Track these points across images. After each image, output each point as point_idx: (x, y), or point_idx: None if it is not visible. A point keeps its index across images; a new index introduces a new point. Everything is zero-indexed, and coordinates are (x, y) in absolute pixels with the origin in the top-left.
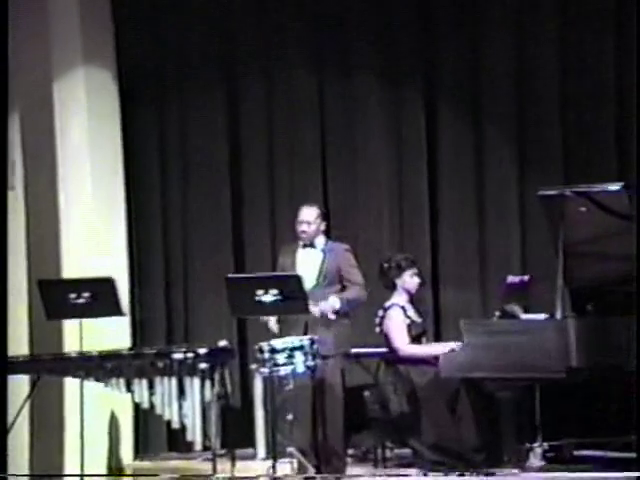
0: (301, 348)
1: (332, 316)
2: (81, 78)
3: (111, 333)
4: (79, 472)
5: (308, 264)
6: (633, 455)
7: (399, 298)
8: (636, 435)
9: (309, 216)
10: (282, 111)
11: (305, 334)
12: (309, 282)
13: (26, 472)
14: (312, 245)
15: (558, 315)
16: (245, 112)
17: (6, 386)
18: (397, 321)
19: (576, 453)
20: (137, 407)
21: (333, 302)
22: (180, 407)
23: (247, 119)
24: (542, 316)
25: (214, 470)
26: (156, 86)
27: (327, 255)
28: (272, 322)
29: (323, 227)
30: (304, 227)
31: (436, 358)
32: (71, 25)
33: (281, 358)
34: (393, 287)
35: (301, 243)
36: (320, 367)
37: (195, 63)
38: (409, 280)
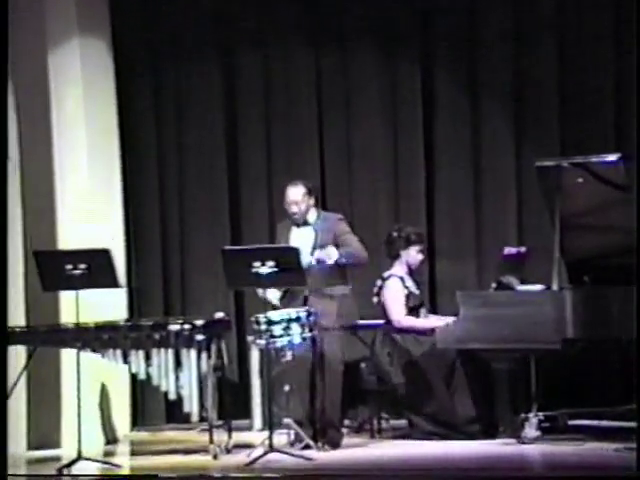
0: (297, 320)
1: (331, 261)
2: (76, 48)
3: (108, 305)
4: (76, 443)
5: (302, 242)
6: (628, 424)
7: (399, 269)
8: (636, 405)
9: (297, 195)
10: (278, 82)
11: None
12: (305, 259)
13: (24, 443)
14: (305, 223)
15: (554, 286)
16: (241, 83)
17: (6, 359)
18: (395, 292)
19: (571, 423)
20: (134, 378)
21: (331, 250)
22: (177, 378)
23: (243, 90)
24: (538, 287)
25: (211, 441)
26: (151, 56)
27: (320, 229)
28: (270, 294)
29: (312, 202)
30: (294, 208)
31: (432, 329)
32: None
33: (278, 330)
34: (396, 257)
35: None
36: (320, 339)
37: (190, 33)
38: (414, 255)
